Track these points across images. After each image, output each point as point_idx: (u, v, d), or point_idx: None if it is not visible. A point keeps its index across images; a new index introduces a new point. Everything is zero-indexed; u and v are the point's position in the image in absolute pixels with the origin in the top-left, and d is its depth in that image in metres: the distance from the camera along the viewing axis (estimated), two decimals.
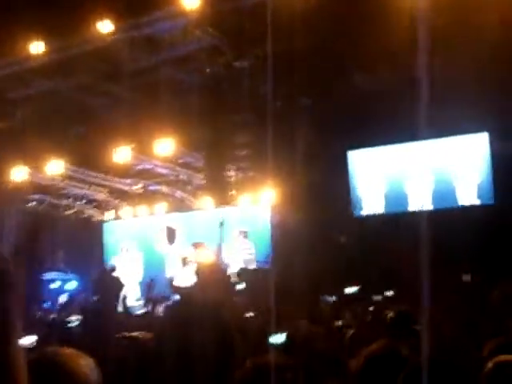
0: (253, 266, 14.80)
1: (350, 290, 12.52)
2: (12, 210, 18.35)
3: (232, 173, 16.42)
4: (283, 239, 14.51)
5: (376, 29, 11.89)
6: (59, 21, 15.38)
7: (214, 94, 15.36)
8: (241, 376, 1.79)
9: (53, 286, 17.63)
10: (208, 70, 15.25)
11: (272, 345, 4.77)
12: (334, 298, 12.69)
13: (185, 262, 6.72)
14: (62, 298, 17.02)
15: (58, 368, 1.55)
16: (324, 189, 14.26)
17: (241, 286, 11.93)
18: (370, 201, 15.27)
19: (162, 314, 11.59)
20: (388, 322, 5.36)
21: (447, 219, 13.14)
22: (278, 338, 4.86)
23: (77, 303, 14.60)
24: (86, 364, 1.69)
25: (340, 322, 7.17)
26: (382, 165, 15.27)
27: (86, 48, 15.45)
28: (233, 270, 14.73)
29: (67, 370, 1.55)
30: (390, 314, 5.65)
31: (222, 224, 10.77)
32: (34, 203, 19.01)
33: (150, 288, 15.05)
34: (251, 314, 8.27)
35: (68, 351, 1.67)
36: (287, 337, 4.95)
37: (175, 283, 12.45)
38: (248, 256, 15.30)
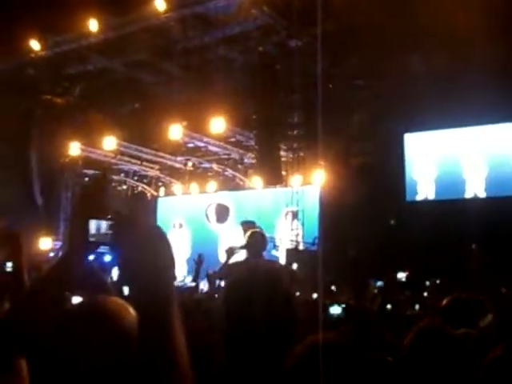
0: (300, 247, 15.00)
1: (401, 275, 12.65)
2: (68, 184, 19.13)
3: (283, 153, 16.62)
4: (332, 221, 14.68)
5: (432, 9, 11.86)
6: None
7: (267, 74, 15.55)
8: (301, 352, 1.75)
9: (106, 258, 18.32)
10: (261, 49, 15.43)
11: (331, 315, 5.32)
12: (381, 283, 12.86)
13: (231, 251, 6.83)
14: (115, 272, 17.73)
15: (104, 314, 1.57)
16: (376, 171, 14.39)
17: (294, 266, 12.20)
18: (424, 186, 15.30)
19: (211, 290, 11.94)
20: (443, 309, 5.42)
21: (502, 207, 13.05)
22: (335, 309, 5.41)
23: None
24: (131, 316, 1.70)
25: (389, 306, 7.36)
26: (438, 149, 15.26)
27: (141, 26, 15.98)
28: (280, 250, 15.05)
29: (113, 317, 1.57)
30: (445, 301, 5.70)
31: None
32: (88, 179, 19.70)
33: (198, 264, 15.48)
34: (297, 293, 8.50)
35: (118, 301, 1.71)
36: (344, 308, 5.45)
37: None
38: (295, 237, 15.51)
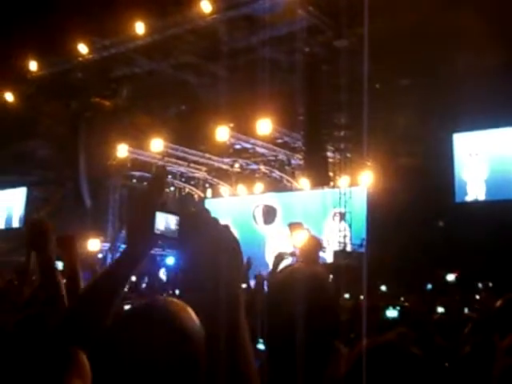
0: (347, 249, 15.29)
1: (450, 277, 12.77)
2: (116, 186, 19.82)
3: (330, 154, 16.88)
4: (380, 222, 14.91)
5: (481, 7, 12.00)
6: (161, 1, 16.44)
7: (313, 74, 15.84)
8: (357, 355, 1.70)
9: (168, 260, 18.98)
10: (307, 50, 15.72)
11: (387, 318, 5.42)
12: (430, 285, 13.02)
13: (281, 257, 6.97)
14: (162, 273, 18.34)
15: (167, 314, 1.50)
16: (424, 172, 14.52)
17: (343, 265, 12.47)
18: (474, 186, 15.39)
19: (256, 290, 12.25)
20: (496, 311, 5.41)
21: None
22: (391, 312, 5.52)
23: (174, 278, 15.73)
24: (193, 318, 1.64)
25: (442, 309, 7.39)
26: (488, 149, 15.35)
27: (187, 28, 16.48)
28: (328, 251, 15.35)
29: (176, 317, 1.49)
30: (499, 302, 5.70)
31: None
32: (135, 181, 20.34)
33: (247, 267, 15.88)
34: (346, 296, 8.70)
35: (179, 303, 1.65)
36: (400, 311, 5.57)
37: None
38: (343, 238, 15.80)
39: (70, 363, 1.78)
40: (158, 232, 1.45)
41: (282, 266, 7.02)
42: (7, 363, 1.32)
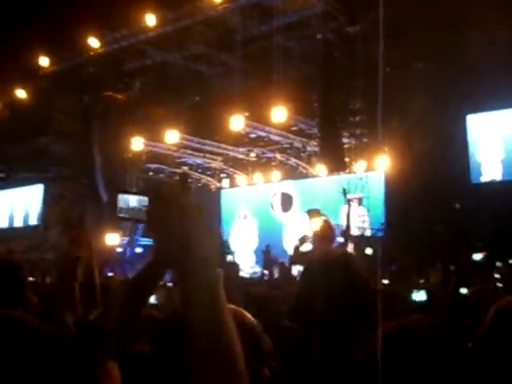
0: (367, 233, 16.01)
1: (477, 256, 13.22)
2: (132, 179, 20.47)
3: (346, 139, 17.53)
4: (398, 206, 15.53)
5: None
6: None
7: (327, 61, 16.48)
8: (386, 336, 1.72)
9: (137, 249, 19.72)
10: (320, 37, 16.37)
11: (414, 302, 5.58)
12: (451, 267, 13.68)
13: (304, 240, 7.57)
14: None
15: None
16: (440, 154, 15.04)
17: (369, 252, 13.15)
18: (489, 167, 15.94)
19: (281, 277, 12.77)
20: None
21: None
22: (419, 296, 5.66)
23: None
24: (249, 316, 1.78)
25: (465, 290, 7.49)
26: (503, 129, 15.85)
27: (198, 18, 17.12)
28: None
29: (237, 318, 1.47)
30: None
31: (344, 191, 11.33)
32: (151, 173, 21.05)
33: (266, 254, 16.63)
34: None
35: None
36: (428, 294, 5.71)
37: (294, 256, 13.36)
38: (362, 223, 16.48)
39: (100, 370, 1.89)
40: (122, 215, 1.43)
41: (303, 248, 7.86)
42: (30, 367, 1.22)
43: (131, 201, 1.47)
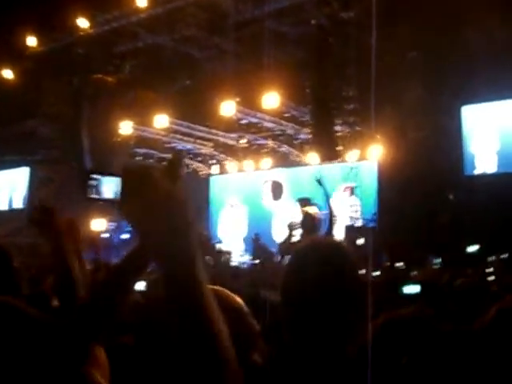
0: (359, 224, 15.99)
1: (471, 249, 13.16)
2: (120, 163, 20.37)
3: (339, 127, 17.44)
4: (390, 196, 15.48)
5: None
6: None
7: (321, 47, 16.39)
8: (375, 330, 1.74)
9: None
10: (314, 22, 16.27)
11: (406, 295, 5.41)
12: (439, 259, 13.68)
13: (292, 227, 7.49)
14: None
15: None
16: (434, 145, 15.02)
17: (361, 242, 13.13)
18: (483, 159, 15.85)
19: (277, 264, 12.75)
20: None
21: None
22: (411, 288, 5.48)
23: None
24: (236, 298, 1.80)
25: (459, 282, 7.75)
26: (497, 121, 15.75)
27: (190, 0, 16.90)
28: (339, 226, 16.05)
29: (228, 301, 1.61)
30: None
31: (319, 181, 11.22)
32: (140, 158, 20.90)
33: (255, 242, 16.63)
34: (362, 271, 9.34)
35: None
36: (422, 286, 5.54)
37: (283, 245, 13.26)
38: (354, 213, 16.46)
39: (87, 356, 1.88)
40: (97, 196, 1.40)
41: (294, 234, 7.82)
42: (26, 352, 1.27)
43: (104, 181, 1.45)
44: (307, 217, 7.04)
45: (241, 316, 1.87)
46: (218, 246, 17.01)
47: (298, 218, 12.83)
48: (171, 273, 1.19)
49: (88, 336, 1.93)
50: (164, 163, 1.30)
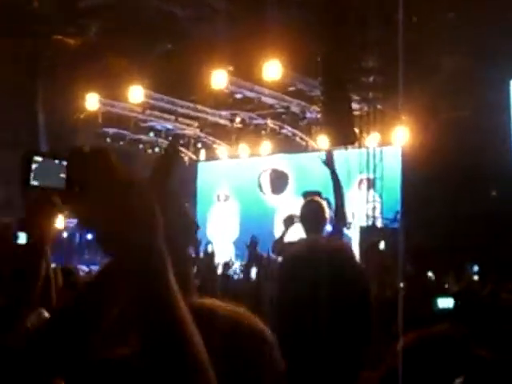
0: (378, 224, 15.93)
1: None
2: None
3: (356, 105, 17.39)
4: (417, 190, 15.42)
5: None
6: None
7: (335, 5, 16.24)
8: (406, 348, 1.78)
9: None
10: None
11: (439, 310, 5.27)
12: (477, 267, 13.68)
13: (291, 220, 7.41)
14: None
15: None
16: (474, 127, 14.91)
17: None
18: None
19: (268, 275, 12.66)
20: None
21: None
22: (444, 302, 5.33)
23: None
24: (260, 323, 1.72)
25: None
26: None
27: None
28: (353, 228, 15.98)
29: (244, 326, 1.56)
30: None
31: (326, 163, 10.97)
32: (109, 140, 20.81)
33: (251, 249, 16.44)
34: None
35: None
36: (457, 299, 5.41)
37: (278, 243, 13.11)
38: (372, 211, 16.40)
39: None
40: (36, 184, 1.40)
41: (292, 231, 7.67)
42: None
43: (49, 165, 1.42)
44: (311, 204, 6.83)
45: (262, 347, 1.74)
46: (209, 248, 16.88)
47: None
48: (140, 289, 1.22)
49: (53, 365, 1.93)
50: (160, 152, 1.29)
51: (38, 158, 1.42)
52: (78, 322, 1.92)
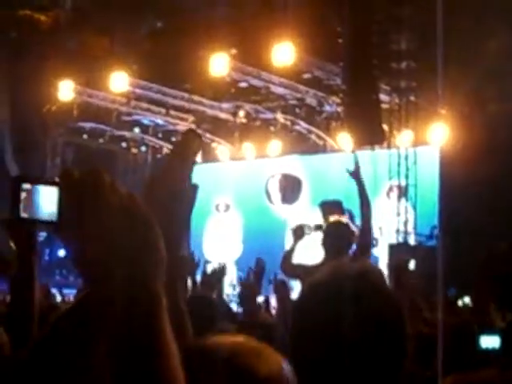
0: (411, 242, 15.81)
1: None
2: (56, 144, 20.22)
3: (385, 96, 17.33)
4: (460, 201, 15.32)
5: None
6: None
7: None
8: None
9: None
10: None
11: (483, 350, 5.36)
12: None
13: (301, 232, 7.26)
14: None
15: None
16: None
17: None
18: None
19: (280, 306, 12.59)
20: None
21: None
22: (490, 341, 5.39)
23: None
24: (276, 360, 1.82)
25: None
26: None
27: None
28: (381, 245, 15.87)
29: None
30: None
31: (354, 174, 10.81)
32: (86, 136, 20.82)
33: (258, 273, 16.27)
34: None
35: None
36: (505, 337, 5.23)
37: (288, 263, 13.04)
38: (403, 225, 16.29)
39: None
40: (28, 216, 1.43)
41: (302, 244, 7.54)
42: None
43: (41, 193, 1.45)
44: (341, 226, 6.76)
45: None
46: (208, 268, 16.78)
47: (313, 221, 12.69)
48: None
49: None
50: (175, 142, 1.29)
51: (27, 186, 1.44)
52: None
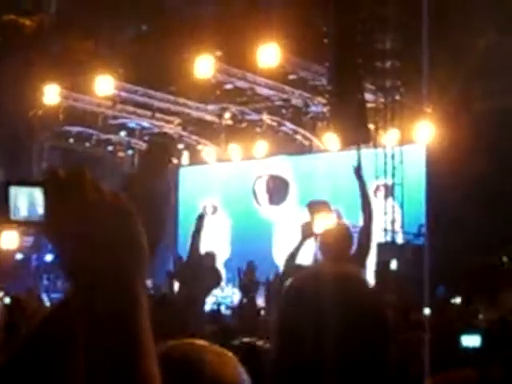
0: (398, 240, 15.82)
1: None
2: (42, 149, 20.15)
3: (370, 95, 17.36)
4: (446, 199, 15.35)
5: None
6: None
7: None
8: None
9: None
10: None
11: (464, 349, 5.50)
12: None
13: (309, 233, 7.22)
14: None
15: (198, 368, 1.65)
16: None
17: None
18: None
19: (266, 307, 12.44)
20: None
21: None
22: (470, 340, 5.56)
23: None
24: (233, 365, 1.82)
25: None
26: None
27: None
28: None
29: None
30: None
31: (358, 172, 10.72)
32: (72, 140, 20.75)
33: (248, 275, 16.32)
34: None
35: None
36: (484, 338, 5.58)
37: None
38: (391, 224, 16.28)
39: None
40: (19, 218, 1.41)
41: (304, 248, 7.47)
42: None
43: (30, 195, 1.44)
44: (337, 230, 6.72)
45: None
46: None
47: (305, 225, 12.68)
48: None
49: None
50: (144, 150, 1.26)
51: (15, 188, 1.42)
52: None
